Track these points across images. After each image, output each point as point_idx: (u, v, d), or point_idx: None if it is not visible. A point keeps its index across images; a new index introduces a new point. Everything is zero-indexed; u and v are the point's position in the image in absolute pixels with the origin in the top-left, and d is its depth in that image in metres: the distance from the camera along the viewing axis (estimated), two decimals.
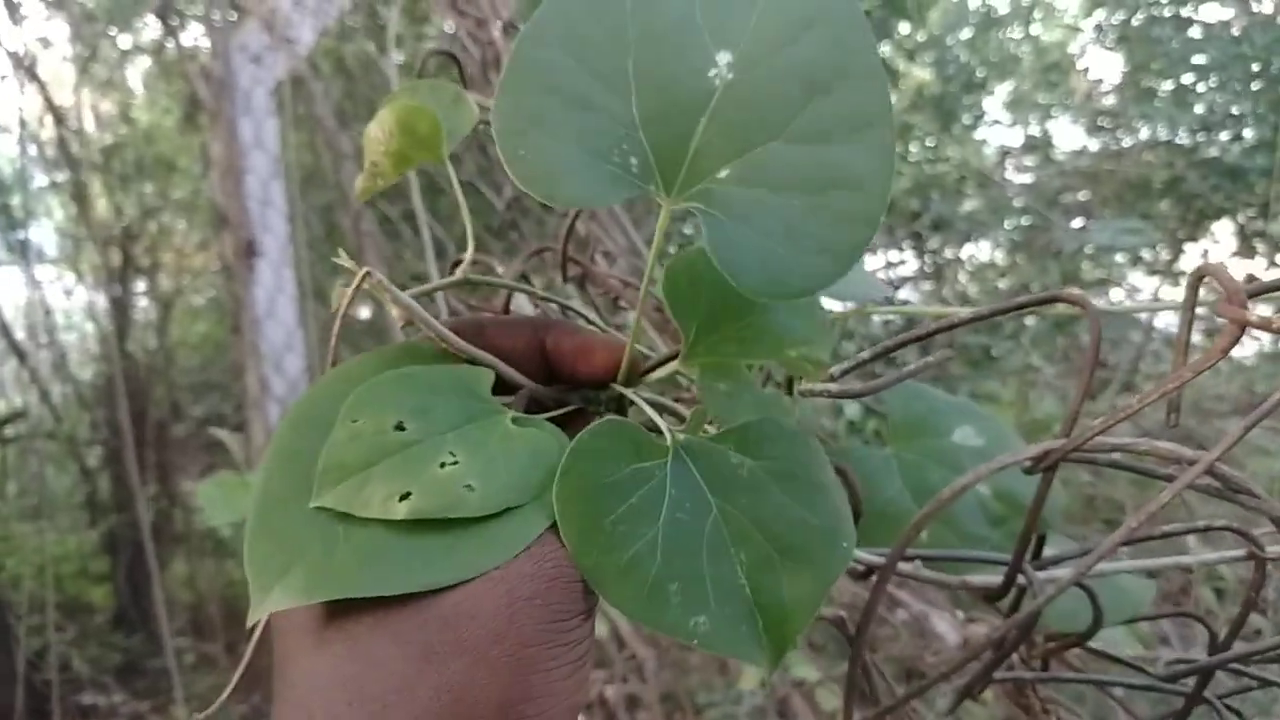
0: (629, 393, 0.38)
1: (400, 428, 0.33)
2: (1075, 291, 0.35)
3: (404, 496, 0.31)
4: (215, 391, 3.17)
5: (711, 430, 0.36)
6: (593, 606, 0.33)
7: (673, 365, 0.38)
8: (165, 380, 2.79)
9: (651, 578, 0.31)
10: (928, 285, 3.19)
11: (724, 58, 0.34)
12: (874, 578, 0.39)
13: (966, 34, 3.75)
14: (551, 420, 0.36)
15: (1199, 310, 0.33)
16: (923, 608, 1.08)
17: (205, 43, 1.72)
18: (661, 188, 0.34)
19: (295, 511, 0.32)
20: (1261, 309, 0.30)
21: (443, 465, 0.32)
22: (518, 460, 0.33)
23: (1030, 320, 2.35)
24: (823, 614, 0.41)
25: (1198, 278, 0.31)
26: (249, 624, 0.31)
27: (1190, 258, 3.42)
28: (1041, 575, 0.37)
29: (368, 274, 0.34)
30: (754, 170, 0.33)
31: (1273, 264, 3.23)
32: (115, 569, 2.76)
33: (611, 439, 0.33)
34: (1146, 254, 3.21)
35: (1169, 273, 3.25)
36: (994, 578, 0.39)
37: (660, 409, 0.38)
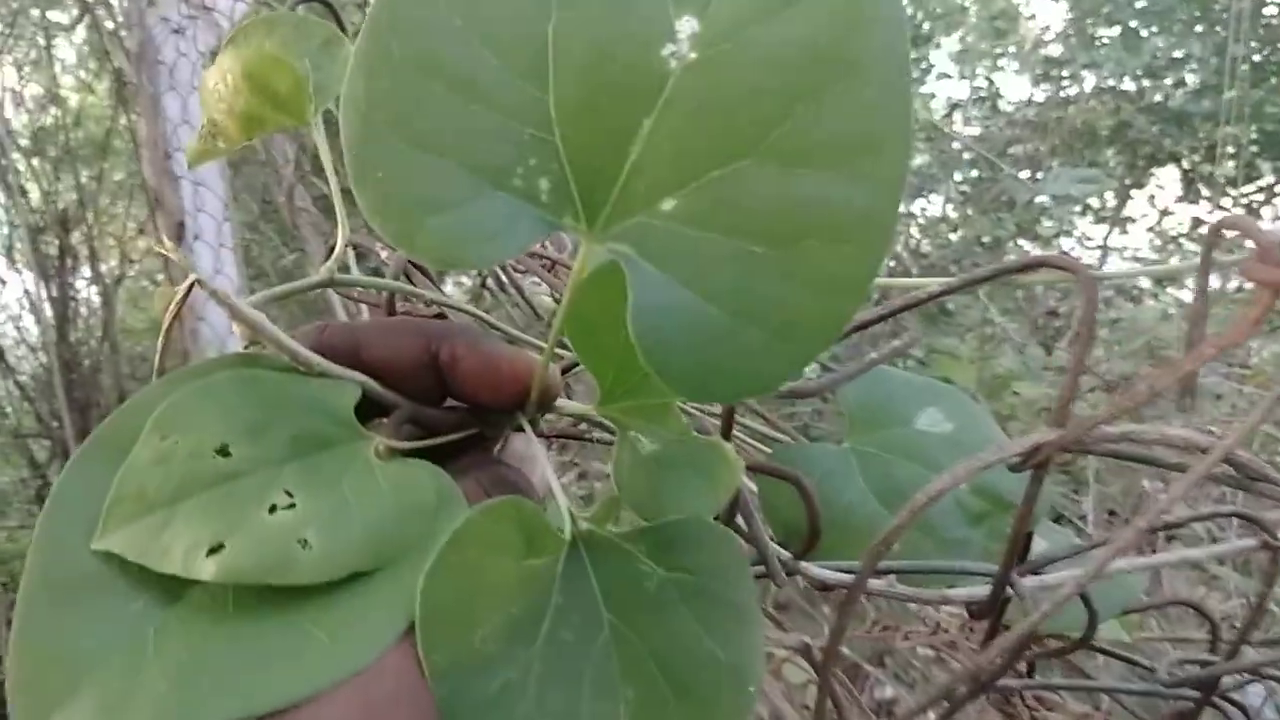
0: (532, 433, 0.31)
1: (224, 452, 0.25)
2: (1062, 257, 0.30)
3: (215, 549, 0.23)
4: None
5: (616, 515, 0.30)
6: None
7: (587, 408, 0.31)
8: (112, 368, 2.72)
9: (520, 715, 0.24)
10: None
11: (687, 26, 0.24)
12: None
13: None
14: (439, 449, 0.29)
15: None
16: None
17: (124, 17, 1.66)
18: (583, 219, 0.25)
19: (88, 599, 0.23)
20: None
21: (273, 509, 0.24)
22: (377, 508, 0.25)
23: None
24: (784, 642, 0.37)
25: (1216, 232, 0.26)
26: None
27: (1137, 204, 3.45)
28: (1032, 582, 0.33)
29: (196, 281, 0.28)
30: (709, 203, 0.24)
31: (1218, 207, 3.26)
32: None
33: (501, 524, 0.26)
34: (1094, 201, 3.23)
35: (1117, 219, 3.27)
36: (978, 589, 0.34)
37: (576, 437, 0.33)
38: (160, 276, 3.00)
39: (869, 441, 0.39)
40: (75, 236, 2.59)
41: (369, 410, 0.29)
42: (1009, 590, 0.32)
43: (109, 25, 1.83)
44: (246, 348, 0.29)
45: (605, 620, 0.26)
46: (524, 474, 0.31)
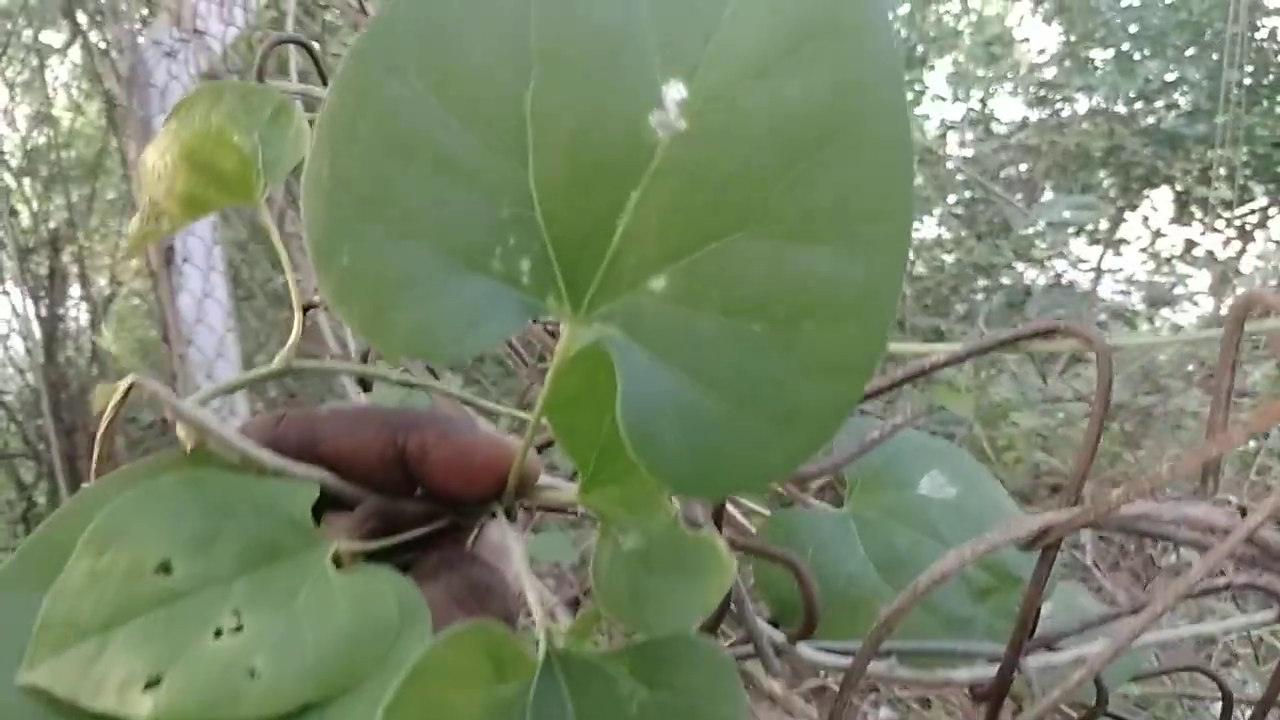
0: (511, 528, 0.28)
1: (166, 568, 0.23)
2: (1079, 325, 0.29)
3: (154, 682, 0.21)
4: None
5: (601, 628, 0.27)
6: None
7: (568, 496, 0.29)
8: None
9: None
10: None
11: (675, 93, 0.22)
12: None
13: (905, 9, 3.74)
14: (406, 544, 0.27)
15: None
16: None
17: (116, 39, 1.65)
18: (566, 300, 0.23)
19: None
20: None
21: (219, 633, 0.22)
22: (333, 629, 0.23)
23: (981, 296, 2.34)
24: None
25: (1244, 308, 0.25)
26: None
27: (1131, 225, 3.46)
28: (1039, 661, 0.31)
29: (133, 385, 0.26)
30: (702, 280, 0.22)
31: (1211, 229, 3.27)
32: None
33: (466, 652, 0.23)
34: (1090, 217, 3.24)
35: (1110, 241, 3.27)
36: (983, 670, 0.33)
37: (560, 510, 0.30)
38: (149, 296, 2.99)
39: (870, 506, 0.37)
40: (65, 256, 2.58)
41: (331, 501, 0.27)
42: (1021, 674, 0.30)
43: (101, 46, 1.82)
44: (190, 450, 0.26)
45: None
46: (499, 572, 0.28)
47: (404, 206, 0.22)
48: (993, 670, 0.31)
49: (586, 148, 0.22)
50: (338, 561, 0.25)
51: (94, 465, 0.28)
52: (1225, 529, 0.26)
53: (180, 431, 0.26)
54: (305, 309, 0.33)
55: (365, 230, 0.22)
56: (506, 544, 0.29)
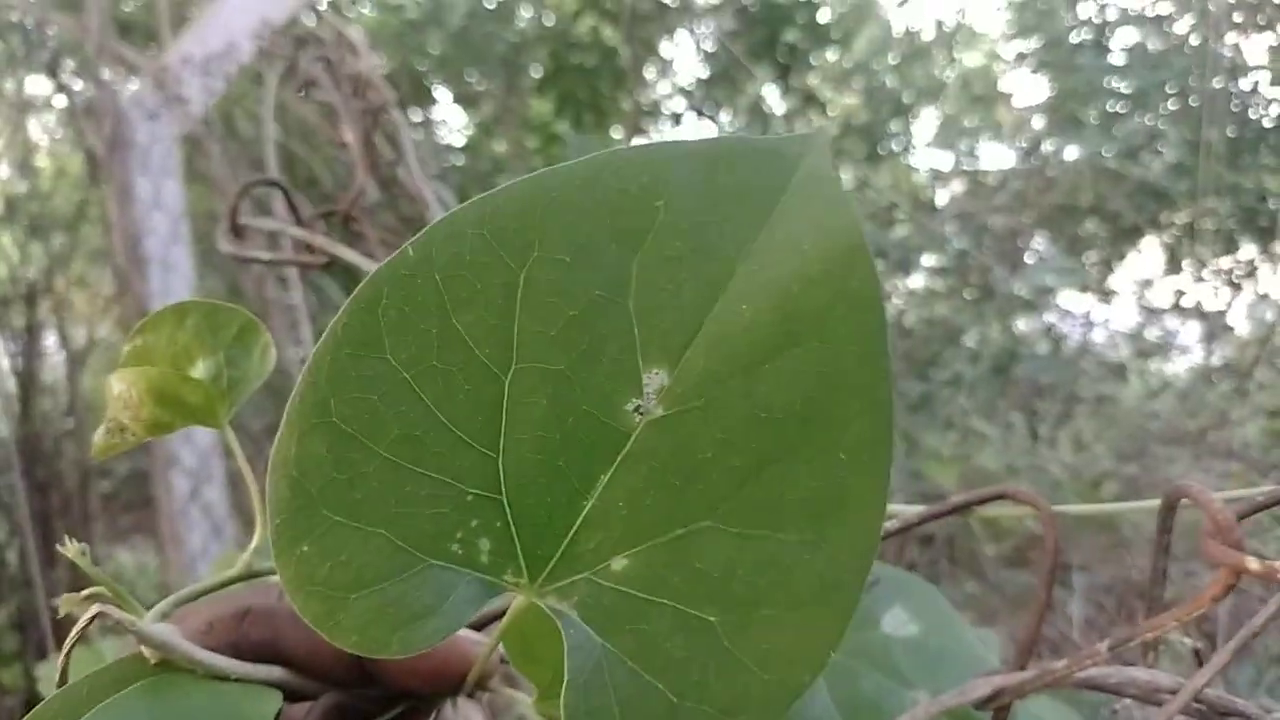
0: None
1: None
2: (1023, 490, 0.30)
3: None
4: (136, 450, 3.03)
5: None
6: None
7: (528, 707, 0.29)
8: (76, 442, 2.65)
9: None
10: None
11: (655, 380, 0.22)
12: None
13: (893, 60, 3.78)
14: None
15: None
16: None
17: (98, 98, 1.63)
18: (524, 572, 0.23)
19: None
20: None
21: None
22: None
23: (968, 367, 2.33)
24: None
25: (1172, 501, 0.26)
26: None
27: (1120, 275, 3.48)
28: None
29: (99, 613, 0.24)
30: (663, 565, 0.22)
31: (1199, 280, 3.28)
32: (25, 648, 2.61)
33: None
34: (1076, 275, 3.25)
35: (1100, 290, 3.29)
36: None
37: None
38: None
39: None
40: (43, 306, 2.54)
41: (291, 694, 0.27)
42: None
43: (82, 103, 1.80)
44: (155, 665, 0.25)
45: None
46: None
47: (367, 494, 0.22)
48: None
49: (561, 430, 0.22)
50: None
51: (58, 678, 0.27)
52: (1171, 690, 0.28)
53: (145, 650, 0.25)
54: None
55: (327, 519, 0.22)
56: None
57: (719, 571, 0.22)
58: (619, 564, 0.22)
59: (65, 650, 0.26)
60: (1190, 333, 3.24)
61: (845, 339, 0.21)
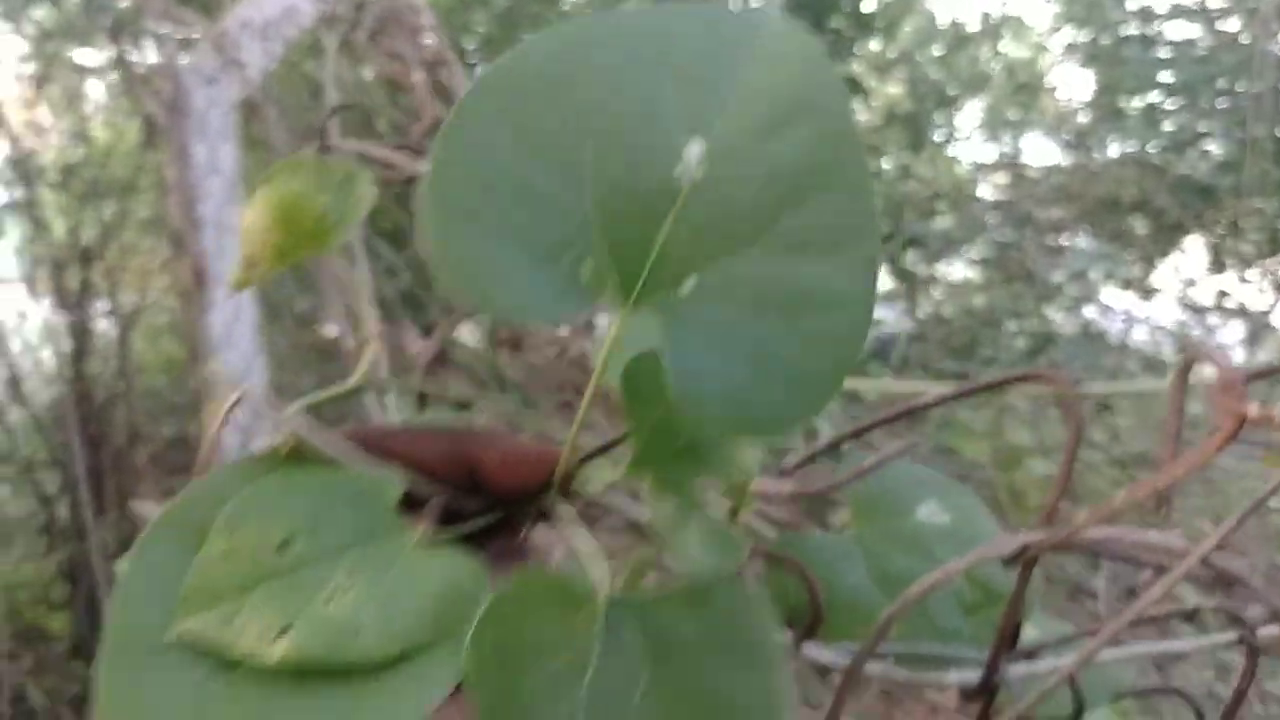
0: (565, 513, 0.33)
1: (285, 545, 0.28)
2: (1051, 370, 0.33)
3: (283, 632, 0.26)
4: (182, 413, 3.11)
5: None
6: None
7: (615, 473, 0.33)
8: (126, 403, 2.73)
9: None
10: (901, 304, 3.18)
11: (694, 150, 0.29)
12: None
13: (937, 51, 3.76)
14: (471, 536, 0.32)
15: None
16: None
17: (159, 63, 1.68)
18: (619, 295, 0.29)
19: (158, 666, 0.27)
20: None
21: (331, 596, 0.28)
22: (423, 591, 0.28)
23: (1012, 338, 2.34)
24: None
25: (1188, 362, 0.29)
26: None
27: (1162, 273, 3.44)
28: (1021, 669, 0.35)
29: (239, 400, 0.31)
30: (723, 282, 0.29)
31: (1242, 280, 3.25)
32: (74, 597, 2.70)
33: (535, 593, 0.28)
34: (1119, 268, 3.23)
35: (1142, 288, 3.26)
36: (971, 674, 0.37)
37: (594, 518, 0.34)
38: (175, 314, 3.03)
39: (872, 532, 0.41)
40: (96, 271, 2.62)
41: (402, 504, 0.32)
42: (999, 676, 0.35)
43: (141, 70, 1.86)
44: (286, 454, 0.31)
45: (641, 674, 0.28)
46: (546, 562, 0.33)
47: (495, 220, 0.29)
48: (979, 674, 0.36)
49: (630, 188, 0.29)
50: (419, 545, 0.30)
51: (198, 461, 0.34)
52: (1181, 553, 0.31)
53: (279, 437, 0.31)
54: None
55: (468, 234, 0.29)
56: (550, 540, 0.34)
57: (766, 286, 0.29)
58: (690, 284, 0.29)
59: (213, 432, 0.32)
60: (1233, 332, 3.21)
61: (825, 115, 0.29)
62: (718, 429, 0.30)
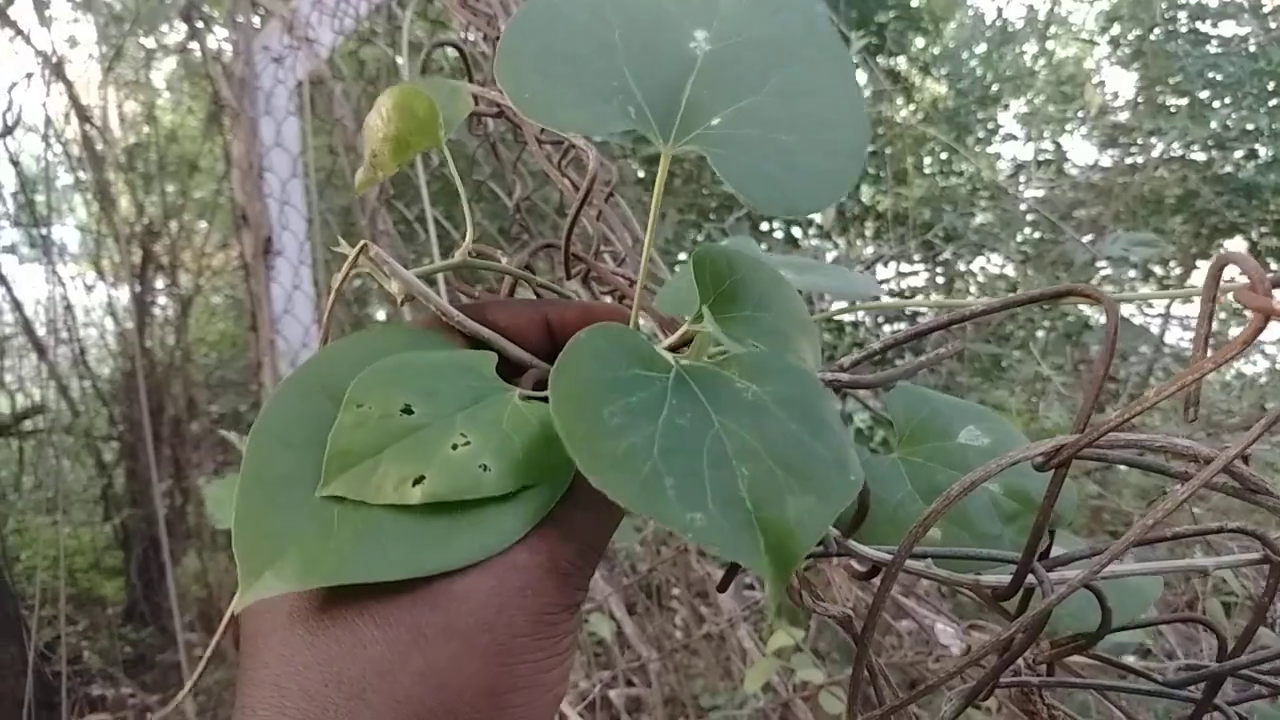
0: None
1: (407, 410, 0.32)
2: (1089, 286, 0.34)
3: (418, 480, 0.31)
4: (231, 389, 3.20)
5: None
6: (580, 600, 0.33)
7: (684, 329, 0.38)
8: (183, 377, 2.82)
9: (647, 469, 0.28)
10: (938, 296, 3.19)
11: (700, 34, 0.39)
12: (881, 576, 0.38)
13: (981, 48, 3.76)
14: None
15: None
16: (927, 615, 1.09)
17: (228, 44, 1.75)
18: (659, 136, 0.36)
19: (286, 494, 0.31)
20: None
21: (455, 447, 0.32)
22: (530, 437, 0.33)
23: (1040, 331, 2.35)
24: (829, 612, 0.40)
25: (1220, 265, 0.30)
26: (235, 609, 0.30)
27: (1203, 273, 3.39)
28: (1052, 576, 0.36)
29: (364, 247, 0.35)
30: (743, 117, 0.37)
31: None
32: (128, 563, 2.79)
33: (612, 341, 0.32)
34: (1159, 269, 3.21)
35: (1182, 288, 3.23)
36: (1005, 577, 0.38)
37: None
38: (229, 293, 3.12)
39: (916, 453, 0.44)
40: (158, 248, 2.70)
41: (502, 372, 0.37)
42: (1034, 581, 0.35)
43: (210, 49, 1.93)
44: (401, 303, 0.37)
45: (714, 419, 0.31)
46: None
47: (556, 75, 0.37)
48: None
49: (657, 58, 0.38)
50: (521, 400, 0.35)
51: (324, 328, 0.39)
52: (1207, 458, 0.31)
53: (393, 287, 0.37)
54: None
55: (537, 82, 0.36)
56: None
57: (778, 118, 0.37)
58: (715, 121, 0.37)
59: (336, 287, 0.37)
60: (1274, 331, 3.18)
61: (800, 9, 0.39)
62: (770, 207, 0.36)
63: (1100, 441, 0.32)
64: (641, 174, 2.85)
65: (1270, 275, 0.28)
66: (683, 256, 3.30)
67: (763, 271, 0.40)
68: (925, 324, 0.39)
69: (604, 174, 0.59)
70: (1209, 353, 0.30)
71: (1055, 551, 0.40)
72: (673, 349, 0.37)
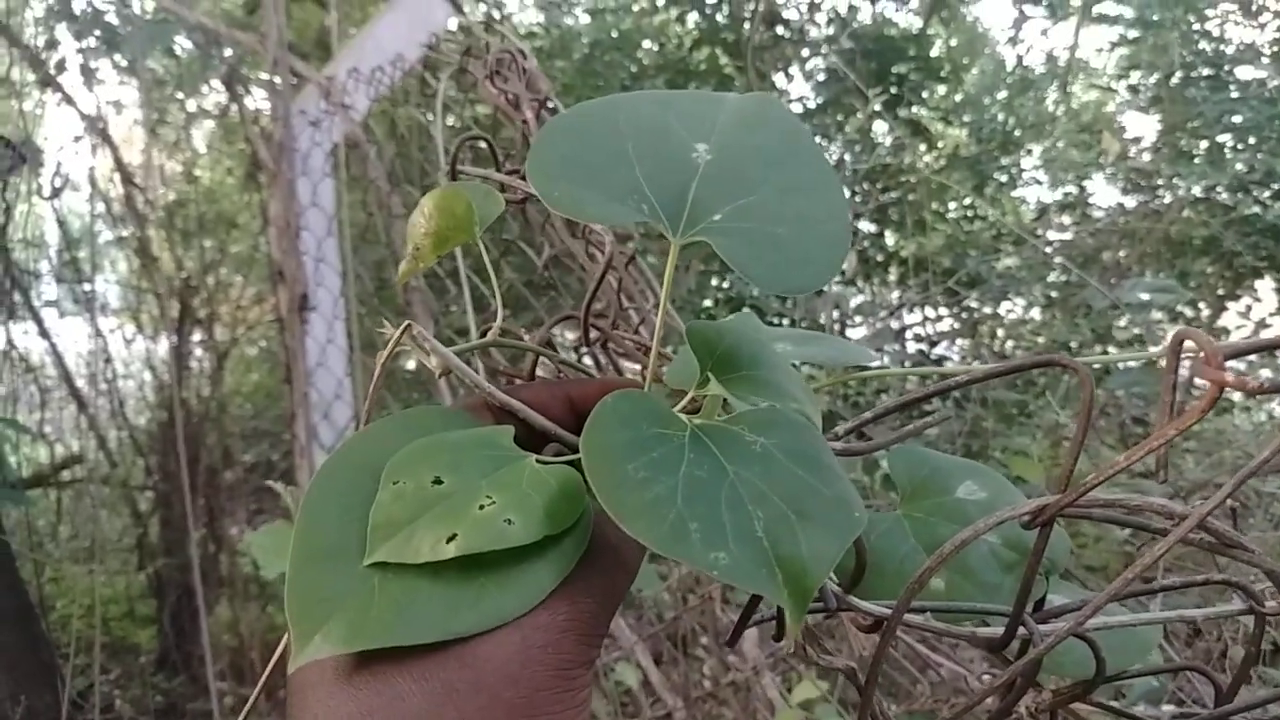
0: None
1: (438, 482, 0.36)
2: (1065, 355, 0.37)
3: (451, 538, 0.34)
4: (265, 439, 3.26)
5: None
6: (595, 656, 0.35)
7: (692, 393, 0.42)
8: (218, 427, 2.87)
9: (673, 516, 0.32)
10: (964, 342, 3.20)
11: (701, 146, 0.45)
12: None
13: (1003, 94, 3.80)
14: (573, 463, 0.39)
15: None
16: (943, 663, 1.09)
17: (266, 106, 1.82)
18: (669, 228, 0.42)
19: (332, 563, 0.35)
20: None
21: (482, 506, 0.35)
22: (549, 495, 0.36)
23: (1064, 377, 2.35)
24: (833, 664, 0.44)
25: (1179, 341, 0.33)
26: (290, 670, 0.33)
27: (1231, 315, 3.40)
28: (1045, 627, 0.38)
29: (408, 326, 0.39)
30: (741, 213, 0.43)
31: None
32: (160, 611, 2.82)
33: (634, 405, 0.37)
34: (1188, 310, 3.20)
35: (1210, 330, 3.22)
36: (1000, 630, 0.39)
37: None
38: (263, 345, 3.19)
39: (918, 508, 0.46)
40: (195, 302, 2.77)
41: (525, 448, 0.40)
42: (1028, 633, 0.37)
43: (249, 112, 2.01)
44: (439, 376, 0.43)
45: (728, 469, 0.35)
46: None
47: (579, 178, 0.43)
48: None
49: (665, 165, 0.44)
50: (538, 464, 0.39)
51: (369, 401, 0.43)
52: (1181, 516, 0.33)
53: (432, 363, 0.42)
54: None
55: (563, 184, 0.42)
56: None
57: (771, 212, 0.43)
58: (718, 216, 0.42)
59: (381, 364, 0.41)
60: None
61: (779, 122, 0.47)
62: (768, 285, 0.41)
63: (1081, 500, 0.34)
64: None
65: (1222, 347, 0.31)
66: (707, 302, 3.34)
67: (747, 335, 0.45)
68: (911, 394, 0.42)
69: (621, 250, 0.63)
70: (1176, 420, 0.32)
71: (1059, 599, 0.42)
72: (686, 412, 0.40)
